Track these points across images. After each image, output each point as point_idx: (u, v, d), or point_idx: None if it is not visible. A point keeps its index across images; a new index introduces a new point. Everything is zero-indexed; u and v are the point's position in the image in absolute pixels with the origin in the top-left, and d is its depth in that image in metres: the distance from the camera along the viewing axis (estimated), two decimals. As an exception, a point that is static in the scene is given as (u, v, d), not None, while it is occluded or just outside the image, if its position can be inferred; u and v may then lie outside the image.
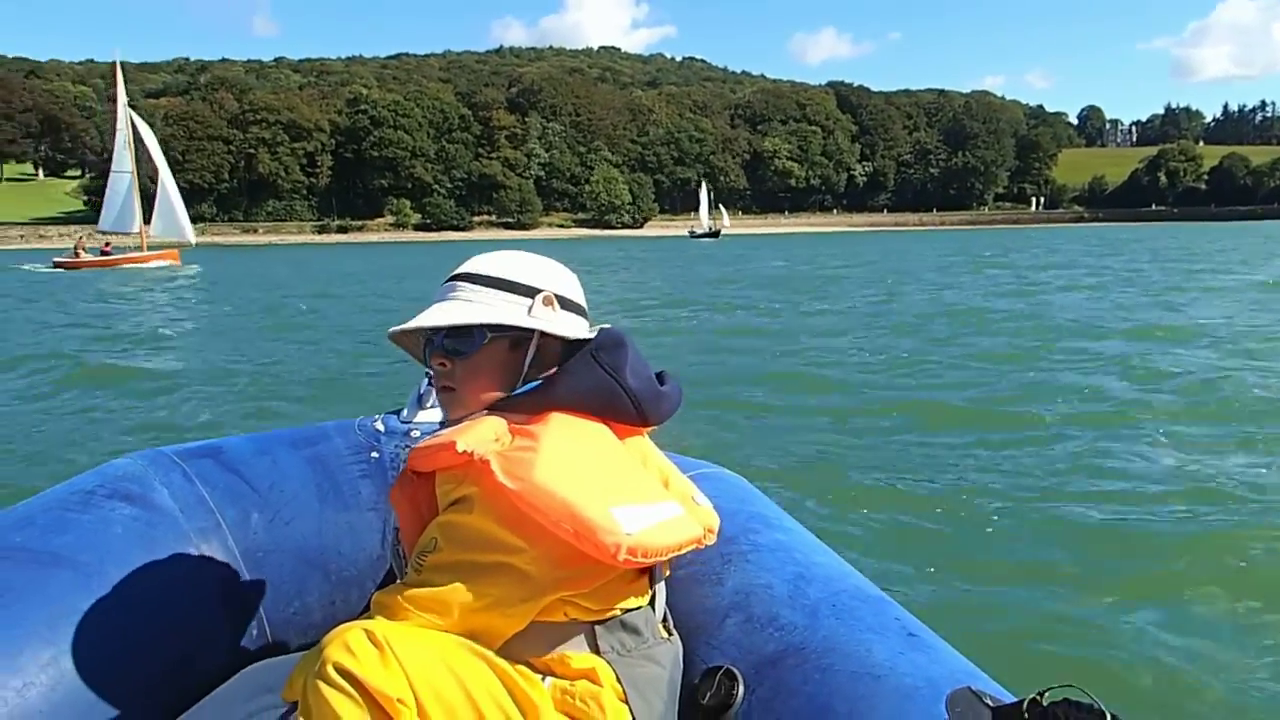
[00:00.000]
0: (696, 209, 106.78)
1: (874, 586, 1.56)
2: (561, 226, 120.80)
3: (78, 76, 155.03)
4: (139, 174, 45.29)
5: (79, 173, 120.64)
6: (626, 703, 1.31)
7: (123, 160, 46.58)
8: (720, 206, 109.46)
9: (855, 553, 4.00)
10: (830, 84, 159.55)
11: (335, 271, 37.23)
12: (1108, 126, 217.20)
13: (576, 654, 1.32)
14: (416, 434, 1.95)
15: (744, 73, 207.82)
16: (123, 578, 1.55)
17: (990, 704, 1.18)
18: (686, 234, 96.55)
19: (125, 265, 40.51)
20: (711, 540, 1.39)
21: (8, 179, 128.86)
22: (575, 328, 1.41)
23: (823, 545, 1.71)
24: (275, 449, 1.88)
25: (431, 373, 1.48)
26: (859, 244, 61.50)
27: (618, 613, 1.35)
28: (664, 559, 1.30)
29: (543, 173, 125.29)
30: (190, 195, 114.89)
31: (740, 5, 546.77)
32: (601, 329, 1.41)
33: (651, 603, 1.42)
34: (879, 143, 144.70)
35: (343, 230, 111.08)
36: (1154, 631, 3.39)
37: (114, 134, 47.75)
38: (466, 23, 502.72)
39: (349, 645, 1.15)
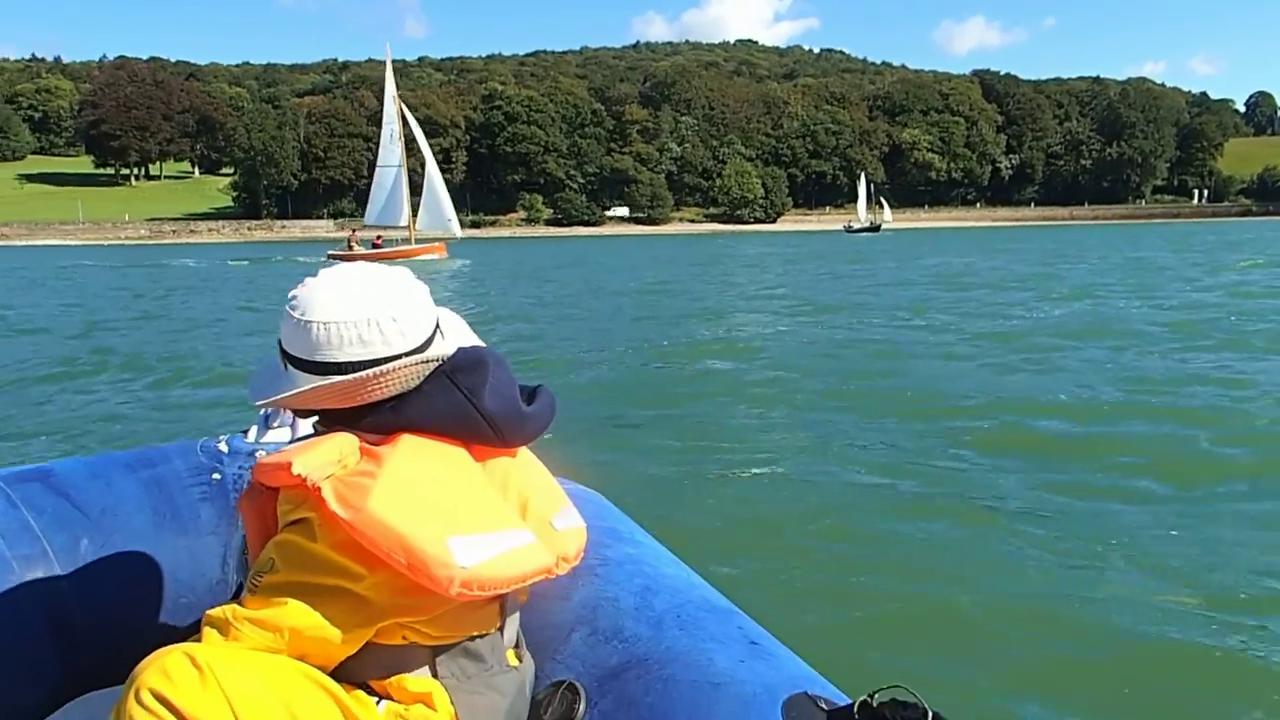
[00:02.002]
0: (840, 202, 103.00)
1: (721, 597, 1.58)
2: (692, 221, 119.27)
3: (233, 78, 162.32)
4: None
5: (231, 170, 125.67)
6: None
7: (389, 154, 47.10)
8: (882, 200, 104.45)
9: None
10: (975, 72, 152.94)
11: (561, 260, 38.00)
12: (1279, 114, 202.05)
13: (413, 678, 1.30)
14: (262, 454, 1.85)
15: (884, 63, 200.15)
16: None
17: (825, 708, 1.21)
18: (842, 229, 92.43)
19: (396, 258, 40.22)
20: (565, 569, 1.36)
21: (167, 176, 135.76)
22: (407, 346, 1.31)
23: (674, 558, 1.73)
24: (109, 472, 1.81)
25: None
26: (1096, 238, 55.41)
27: (461, 639, 1.33)
28: (506, 590, 1.27)
29: (674, 167, 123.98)
30: (330, 190, 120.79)
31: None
32: (460, 348, 1.36)
33: (502, 629, 1.40)
34: (1026, 133, 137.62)
35: (475, 225, 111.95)
36: (993, 627, 3.53)
37: (380, 130, 48.35)
38: (607, 19, 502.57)
39: (166, 670, 1.11)
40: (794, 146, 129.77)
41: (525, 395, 1.40)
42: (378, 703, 1.28)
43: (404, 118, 46.19)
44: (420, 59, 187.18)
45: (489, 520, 1.27)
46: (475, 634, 1.35)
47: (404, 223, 45.56)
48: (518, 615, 1.45)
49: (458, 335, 1.43)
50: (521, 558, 1.27)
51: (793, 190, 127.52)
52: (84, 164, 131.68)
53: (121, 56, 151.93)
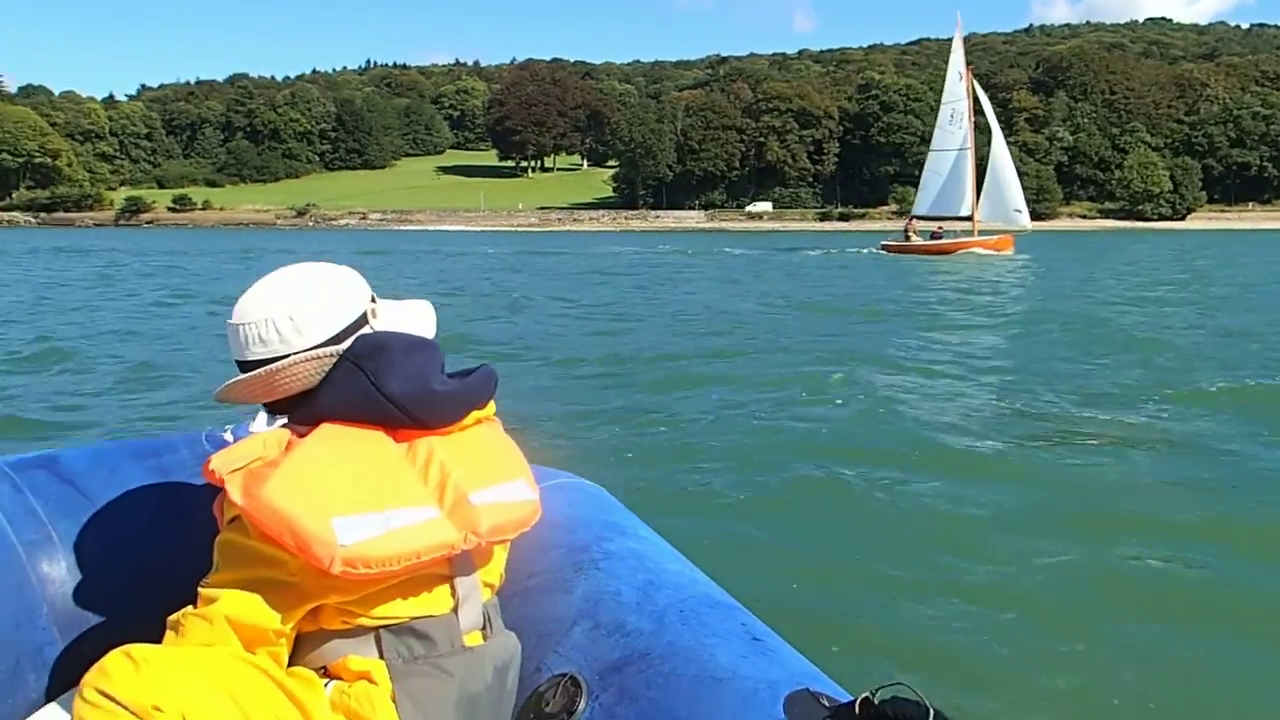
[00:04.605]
0: (1267, 197, 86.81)
1: (724, 593, 1.60)
2: (1083, 217, 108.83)
3: (623, 75, 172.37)
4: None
5: (615, 162, 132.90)
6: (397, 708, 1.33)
7: (947, 137, 44.37)
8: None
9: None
10: None
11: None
12: None
13: (358, 658, 1.34)
14: None
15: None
16: None
17: (826, 704, 1.22)
18: None
19: (956, 251, 37.78)
20: (476, 543, 1.37)
21: (559, 168, 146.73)
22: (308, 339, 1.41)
23: (676, 553, 1.74)
24: (116, 461, 1.83)
25: None
26: None
27: (405, 619, 1.37)
28: (398, 568, 1.29)
29: (1064, 157, 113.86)
30: (703, 182, 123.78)
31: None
32: (362, 335, 1.42)
33: (457, 609, 1.42)
34: None
35: (844, 219, 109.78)
36: (987, 628, 3.57)
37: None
38: (1001, 2, 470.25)
39: (104, 668, 1.19)
40: (1211, 134, 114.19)
41: (462, 376, 1.45)
42: (326, 684, 1.32)
43: (974, 96, 42.00)
44: (800, 51, 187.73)
45: (382, 499, 1.30)
46: (423, 615, 1.38)
47: (965, 212, 42.18)
48: (479, 596, 1.45)
49: (407, 327, 1.48)
50: (413, 535, 1.29)
51: (1206, 184, 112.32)
52: (490, 157, 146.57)
53: (529, 59, 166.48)
